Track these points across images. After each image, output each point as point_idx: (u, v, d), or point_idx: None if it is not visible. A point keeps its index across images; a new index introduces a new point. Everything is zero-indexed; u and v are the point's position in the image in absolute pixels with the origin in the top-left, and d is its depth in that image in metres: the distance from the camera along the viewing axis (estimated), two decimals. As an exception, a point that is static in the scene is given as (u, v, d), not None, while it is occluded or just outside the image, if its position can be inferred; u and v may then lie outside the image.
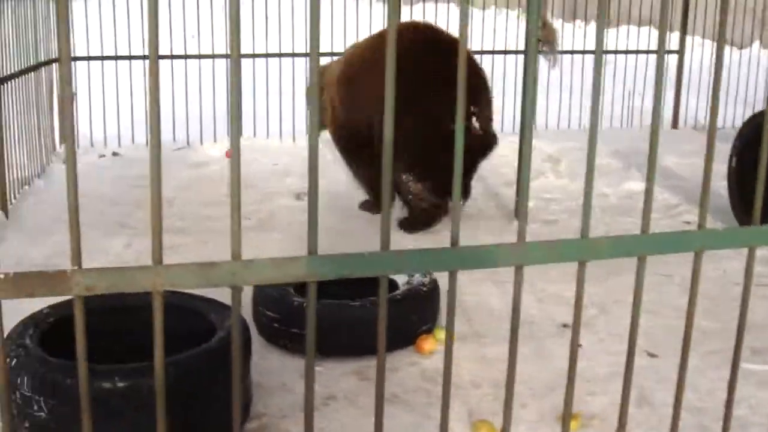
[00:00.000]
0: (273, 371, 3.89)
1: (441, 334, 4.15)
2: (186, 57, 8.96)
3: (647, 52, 10.64)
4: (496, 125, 8.59)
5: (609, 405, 3.64)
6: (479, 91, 6.08)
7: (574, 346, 1.99)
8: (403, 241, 5.69)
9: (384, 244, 1.71)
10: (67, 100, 1.71)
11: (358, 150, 6.23)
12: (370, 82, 5.67)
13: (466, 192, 6.40)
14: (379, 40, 6.22)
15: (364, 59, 6.16)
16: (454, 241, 1.73)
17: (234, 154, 1.65)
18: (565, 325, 4.46)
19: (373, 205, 6.56)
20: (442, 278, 4.54)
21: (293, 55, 9.02)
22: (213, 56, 8.73)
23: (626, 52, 10.73)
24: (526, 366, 3.95)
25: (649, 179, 1.94)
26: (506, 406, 1.95)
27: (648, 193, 1.92)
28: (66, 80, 1.69)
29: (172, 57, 8.61)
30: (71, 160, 1.64)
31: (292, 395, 3.67)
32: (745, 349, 4.14)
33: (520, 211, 1.79)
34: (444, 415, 1.90)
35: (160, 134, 1.63)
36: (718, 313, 4.62)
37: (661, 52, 1.89)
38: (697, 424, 3.52)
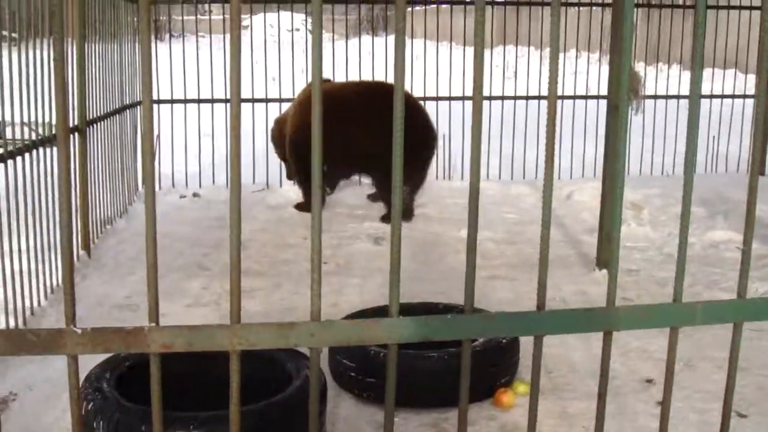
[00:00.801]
0: (347, 420, 3.83)
1: (520, 388, 4.04)
2: (267, 101, 9.08)
3: (732, 96, 10.43)
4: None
5: (697, 469, 3.50)
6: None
7: (666, 411, 1.89)
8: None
9: (468, 306, 1.65)
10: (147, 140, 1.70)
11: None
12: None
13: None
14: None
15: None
16: (541, 305, 1.67)
17: (314, 216, 1.61)
18: (648, 381, 4.32)
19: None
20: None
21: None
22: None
23: (711, 96, 10.51)
24: (608, 423, 3.80)
25: (746, 240, 1.85)
26: (592, 476, 1.86)
27: (745, 253, 1.83)
28: (148, 120, 1.68)
29: (253, 100, 8.72)
30: (150, 211, 1.62)
31: (367, 447, 3.61)
32: None
33: (610, 272, 1.71)
34: (527, 485, 1.82)
35: (240, 183, 1.60)
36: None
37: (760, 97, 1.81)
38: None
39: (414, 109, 7.65)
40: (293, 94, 8.69)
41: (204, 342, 1.60)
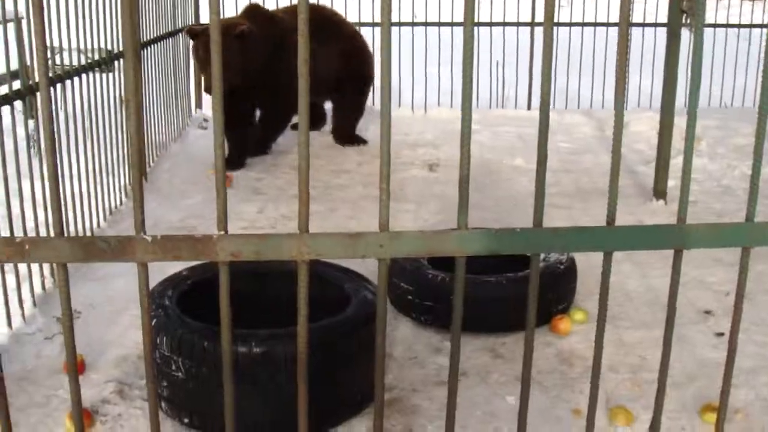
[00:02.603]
0: (404, 343, 3.85)
1: (577, 315, 4.03)
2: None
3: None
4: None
5: (754, 399, 3.47)
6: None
7: (734, 338, 1.86)
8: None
9: (537, 221, 1.63)
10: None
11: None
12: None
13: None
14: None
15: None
16: (611, 220, 1.64)
17: (384, 120, 1.59)
18: (707, 312, 4.27)
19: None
20: (579, 255, 4.43)
21: (425, 24, 8.95)
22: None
23: (769, 26, 10.22)
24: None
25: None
26: (658, 396, 1.84)
27: (754, 176, 1.77)
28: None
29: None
30: (219, 123, 1.60)
31: (423, 369, 3.62)
32: None
33: (682, 191, 1.68)
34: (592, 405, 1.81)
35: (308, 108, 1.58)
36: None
37: None
38: None
39: (349, 36, 7.64)
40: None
41: (272, 251, 1.59)
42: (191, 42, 6.61)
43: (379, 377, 1.72)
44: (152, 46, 6.68)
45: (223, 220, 1.60)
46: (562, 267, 4.04)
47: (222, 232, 1.59)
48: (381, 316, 1.68)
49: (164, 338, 3.00)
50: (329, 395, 3.05)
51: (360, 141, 7.67)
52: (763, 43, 9.80)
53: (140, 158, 1.64)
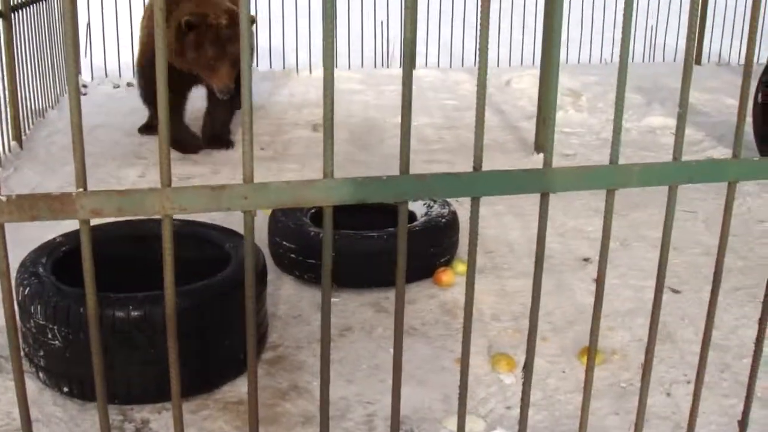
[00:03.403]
0: (289, 302, 3.84)
1: (460, 267, 4.08)
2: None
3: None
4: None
5: (630, 341, 3.58)
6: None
7: (601, 278, 1.91)
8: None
9: (403, 168, 1.63)
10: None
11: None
12: None
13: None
14: None
15: None
16: (478, 165, 1.65)
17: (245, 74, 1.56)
18: (585, 260, 4.39)
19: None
20: (461, 209, 4.48)
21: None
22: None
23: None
24: (547, 300, 3.88)
25: (682, 105, 1.83)
26: (530, 338, 1.88)
27: (681, 118, 1.82)
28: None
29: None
30: (73, 82, 1.55)
31: (308, 326, 3.62)
32: (768, 285, 4.09)
33: (546, 137, 1.70)
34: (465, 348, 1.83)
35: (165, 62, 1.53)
36: (741, 250, 4.54)
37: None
38: (719, 361, 3.45)
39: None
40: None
41: (134, 206, 1.55)
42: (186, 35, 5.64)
43: (250, 332, 1.70)
44: (24, 9, 6.42)
45: (81, 177, 1.55)
46: (443, 220, 4.07)
47: (81, 189, 1.54)
48: (249, 269, 1.65)
49: (38, 306, 2.92)
50: (211, 355, 3.03)
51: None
52: (641, 2, 10.07)
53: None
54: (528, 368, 1.92)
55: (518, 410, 3.07)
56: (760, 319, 2.14)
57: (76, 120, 1.51)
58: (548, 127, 1.71)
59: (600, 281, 1.91)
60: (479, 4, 1.63)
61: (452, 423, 3.00)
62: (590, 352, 2.00)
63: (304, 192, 1.59)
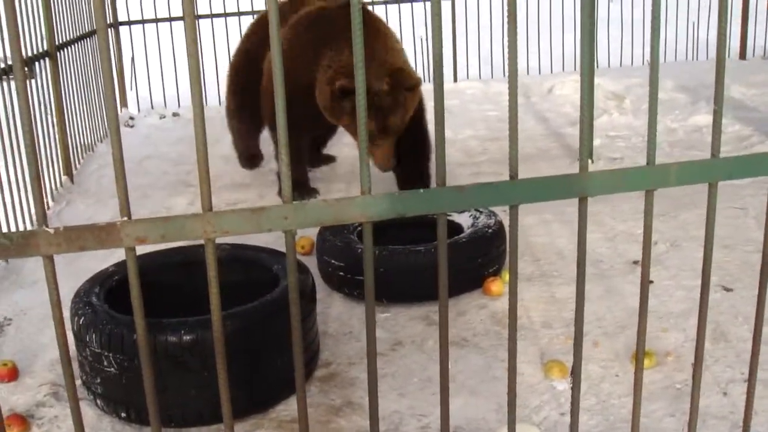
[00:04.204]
0: (340, 319, 3.87)
1: (508, 277, 4.07)
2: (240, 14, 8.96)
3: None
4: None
5: (684, 341, 3.55)
6: None
7: (645, 279, 1.90)
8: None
9: (440, 180, 1.64)
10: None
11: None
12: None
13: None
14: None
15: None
16: (513, 174, 1.66)
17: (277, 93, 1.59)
18: (635, 262, 4.36)
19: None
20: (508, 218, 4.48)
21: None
22: (251, 12, 8.70)
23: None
24: (598, 305, 3.87)
25: (717, 100, 1.83)
26: (576, 343, 1.88)
27: (717, 114, 1.82)
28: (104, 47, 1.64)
29: (226, 15, 8.65)
30: (113, 117, 1.59)
31: (359, 342, 3.64)
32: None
33: (581, 141, 1.71)
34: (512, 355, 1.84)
35: (201, 85, 1.57)
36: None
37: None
38: (776, 358, 3.40)
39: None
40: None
41: (177, 232, 1.59)
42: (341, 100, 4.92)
43: (297, 350, 1.73)
44: (69, 47, 6.57)
45: (125, 207, 1.59)
46: (490, 231, 4.08)
47: (125, 218, 1.58)
48: (292, 288, 1.68)
49: (93, 335, 2.98)
50: (263, 375, 3.06)
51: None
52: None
53: (34, 152, 1.60)
54: (576, 373, 1.92)
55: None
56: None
57: (117, 153, 1.55)
58: (583, 131, 1.72)
59: (644, 282, 1.91)
60: (506, 14, 1.65)
61: (507, 432, 3.01)
62: (638, 354, 1.99)
63: (343, 209, 1.61)
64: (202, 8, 8.14)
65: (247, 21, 8.58)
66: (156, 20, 8.94)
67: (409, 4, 9.32)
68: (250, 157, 6.53)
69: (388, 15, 8.60)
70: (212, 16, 8.68)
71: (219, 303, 1.67)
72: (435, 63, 1.63)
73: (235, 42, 6.67)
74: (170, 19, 8.93)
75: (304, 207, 1.60)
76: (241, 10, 8.93)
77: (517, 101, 1.67)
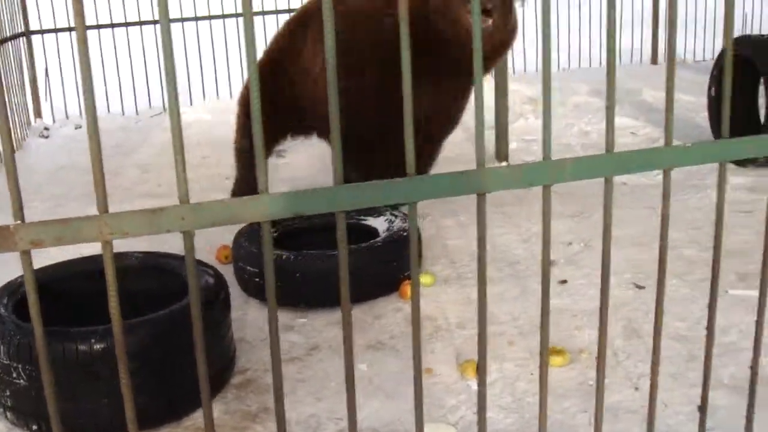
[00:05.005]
0: (256, 326, 3.85)
1: (425, 279, 4.11)
2: (154, 23, 8.86)
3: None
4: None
5: (597, 338, 3.61)
6: None
7: (546, 276, 1.93)
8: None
9: (338, 179, 1.65)
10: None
11: None
12: None
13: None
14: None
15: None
16: (412, 172, 1.68)
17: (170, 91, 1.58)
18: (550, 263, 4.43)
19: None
20: (428, 222, 4.51)
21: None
22: (182, 20, 8.63)
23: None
24: (513, 305, 3.93)
25: (609, 99, 1.87)
26: (480, 341, 1.90)
27: (609, 111, 1.86)
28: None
29: (141, 23, 8.54)
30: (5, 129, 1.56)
31: (276, 349, 3.63)
32: (732, 274, 4.15)
33: (477, 139, 1.73)
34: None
35: (93, 90, 1.56)
36: (705, 241, 4.59)
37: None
38: (686, 353, 3.49)
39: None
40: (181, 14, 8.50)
41: (73, 234, 1.56)
42: None
43: (200, 359, 1.72)
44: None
45: (19, 210, 1.56)
46: (405, 234, 4.11)
47: (19, 222, 1.56)
48: (192, 291, 1.67)
49: (1, 346, 2.92)
50: (176, 383, 3.03)
51: None
52: (594, 6, 10.18)
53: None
54: (481, 370, 1.94)
55: (489, 415, 3.12)
56: (710, 305, 2.17)
57: (9, 157, 1.52)
58: (477, 130, 1.74)
59: (545, 278, 1.94)
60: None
61: (424, 433, 3.03)
62: (543, 353, 2.02)
63: (241, 209, 1.61)
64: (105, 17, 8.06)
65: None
66: (69, 29, 8.79)
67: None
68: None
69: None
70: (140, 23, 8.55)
71: (118, 307, 1.65)
72: (329, 77, 1.63)
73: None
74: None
75: (201, 207, 1.59)
76: (142, 19, 8.78)
77: (411, 105, 1.69)
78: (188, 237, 1.62)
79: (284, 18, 6.65)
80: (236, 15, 8.82)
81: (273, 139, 5.18)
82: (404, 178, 1.67)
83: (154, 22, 8.69)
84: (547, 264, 1.92)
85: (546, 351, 2.02)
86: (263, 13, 8.91)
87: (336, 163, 1.64)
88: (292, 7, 8.79)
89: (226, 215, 1.61)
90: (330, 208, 1.66)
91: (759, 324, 2.28)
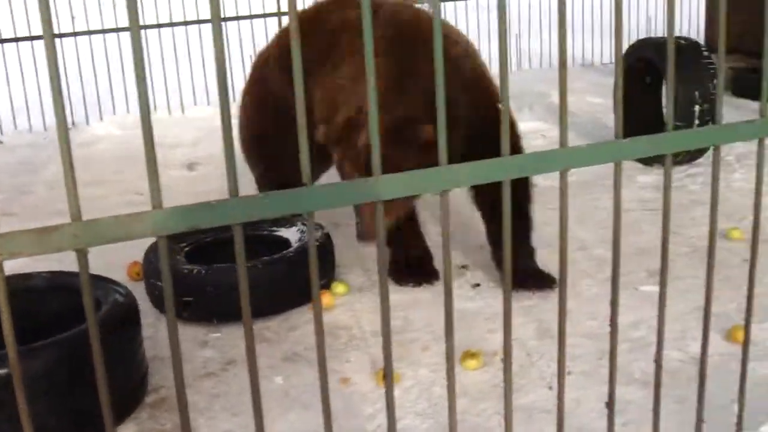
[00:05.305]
0: (168, 343, 3.79)
1: (338, 288, 4.11)
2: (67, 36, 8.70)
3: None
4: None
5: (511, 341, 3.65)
6: None
7: (448, 279, 1.95)
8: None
9: (232, 191, 1.64)
10: None
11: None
12: None
13: None
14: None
15: None
16: (308, 181, 1.67)
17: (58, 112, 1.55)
18: (463, 267, 4.47)
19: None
20: (337, 231, 4.51)
21: (185, 23, 8.86)
22: (89, 32, 8.50)
23: (511, -6, 10.75)
24: (428, 310, 3.95)
25: (503, 100, 1.89)
26: (384, 346, 1.91)
27: (503, 113, 1.88)
28: None
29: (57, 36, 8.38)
30: None
31: (190, 364, 3.59)
32: (642, 271, 4.24)
33: (373, 149, 1.74)
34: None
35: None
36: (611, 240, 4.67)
37: None
38: (596, 350, 3.55)
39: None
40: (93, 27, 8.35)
41: (-41, 257, 1.52)
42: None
43: (100, 380, 1.69)
44: None
45: None
46: (317, 244, 4.09)
47: None
48: (88, 308, 1.64)
49: None
50: (86, 404, 2.97)
51: None
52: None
53: None
54: (387, 374, 1.94)
55: (406, 422, 3.13)
56: (612, 302, 2.21)
57: None
58: (372, 140, 1.74)
59: (447, 278, 1.95)
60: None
61: (340, 443, 3.02)
62: (449, 351, 2.04)
63: (135, 225, 1.59)
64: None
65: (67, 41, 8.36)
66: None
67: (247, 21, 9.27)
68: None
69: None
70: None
71: (12, 331, 1.61)
72: (219, 81, 1.62)
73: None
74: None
75: (94, 224, 1.56)
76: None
77: (304, 114, 1.68)
78: (82, 255, 1.59)
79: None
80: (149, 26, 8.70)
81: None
82: (299, 188, 1.67)
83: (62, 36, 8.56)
84: (449, 267, 1.94)
85: (452, 352, 2.04)
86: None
87: (230, 176, 1.63)
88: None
89: (121, 232, 1.58)
90: (225, 221, 1.64)
91: (661, 318, 2.33)
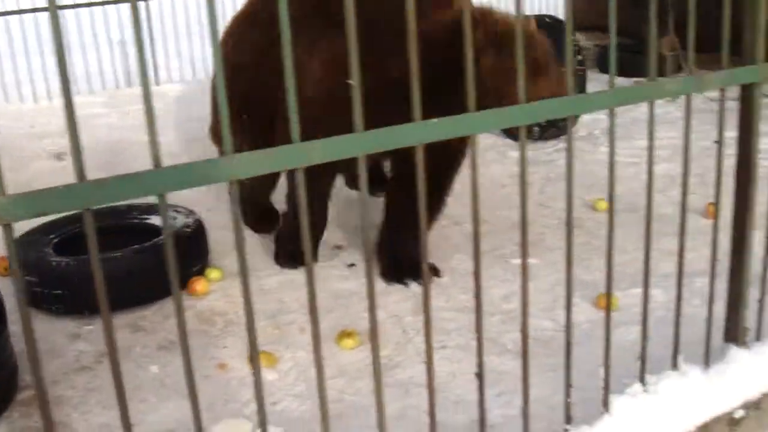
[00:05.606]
0: (39, 337, 3.66)
1: (213, 274, 4.08)
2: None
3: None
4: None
5: (387, 318, 3.69)
6: None
7: (309, 270, 1.95)
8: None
9: (79, 176, 1.59)
10: None
11: None
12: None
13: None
14: None
15: None
16: (157, 163, 1.64)
17: None
18: (338, 247, 4.48)
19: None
20: (211, 216, 4.46)
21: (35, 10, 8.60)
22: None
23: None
24: (302, 292, 3.93)
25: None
26: (249, 332, 1.90)
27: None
28: None
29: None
30: None
31: (62, 358, 3.50)
32: (514, 245, 4.33)
33: (225, 136, 1.72)
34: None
35: None
36: (486, 215, 4.75)
37: None
38: (470, 323, 3.59)
39: None
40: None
41: None
42: None
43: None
44: None
45: None
46: (189, 230, 4.05)
47: None
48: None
49: None
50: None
51: None
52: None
53: None
54: (254, 359, 1.94)
55: (284, 405, 3.13)
56: (475, 273, 2.25)
57: None
58: (223, 125, 1.73)
59: (309, 273, 1.95)
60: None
61: (219, 429, 3.00)
62: (315, 338, 2.04)
63: (-27, 215, 1.53)
64: None
65: None
66: None
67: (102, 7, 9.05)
68: (261, 215, 4.85)
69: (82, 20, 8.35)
70: None
71: None
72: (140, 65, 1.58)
73: None
74: None
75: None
76: None
77: (152, 105, 1.65)
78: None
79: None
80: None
81: None
82: (150, 170, 1.64)
83: None
84: (310, 259, 1.94)
85: (318, 334, 2.05)
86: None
87: (76, 161, 1.59)
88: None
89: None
90: (75, 207, 1.60)
91: (524, 289, 2.39)
